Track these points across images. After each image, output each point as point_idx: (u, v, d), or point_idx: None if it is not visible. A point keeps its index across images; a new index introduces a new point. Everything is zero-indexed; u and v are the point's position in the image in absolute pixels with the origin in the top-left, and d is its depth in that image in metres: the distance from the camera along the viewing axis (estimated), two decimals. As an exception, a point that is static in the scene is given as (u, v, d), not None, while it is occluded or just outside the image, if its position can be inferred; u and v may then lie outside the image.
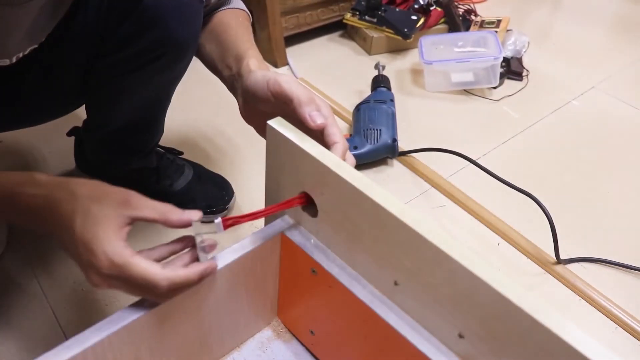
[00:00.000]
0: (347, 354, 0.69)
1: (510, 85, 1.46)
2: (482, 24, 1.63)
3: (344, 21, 1.60)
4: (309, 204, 0.61)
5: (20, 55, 0.65)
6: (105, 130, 0.90)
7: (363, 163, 1.15)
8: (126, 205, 0.51)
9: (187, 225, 0.54)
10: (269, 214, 0.60)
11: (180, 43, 0.74)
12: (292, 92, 0.59)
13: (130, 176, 0.99)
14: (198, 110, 1.29)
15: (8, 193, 0.53)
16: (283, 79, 0.61)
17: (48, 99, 0.81)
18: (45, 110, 0.85)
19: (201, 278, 0.54)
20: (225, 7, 0.80)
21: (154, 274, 0.50)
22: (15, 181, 0.53)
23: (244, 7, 0.82)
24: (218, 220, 0.55)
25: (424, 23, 1.55)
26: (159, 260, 0.54)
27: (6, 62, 0.64)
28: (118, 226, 0.50)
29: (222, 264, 0.60)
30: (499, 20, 1.62)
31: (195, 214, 0.54)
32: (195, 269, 0.53)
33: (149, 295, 0.53)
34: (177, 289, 0.52)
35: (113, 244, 0.49)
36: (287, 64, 1.51)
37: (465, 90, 1.42)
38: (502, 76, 1.45)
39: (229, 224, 0.56)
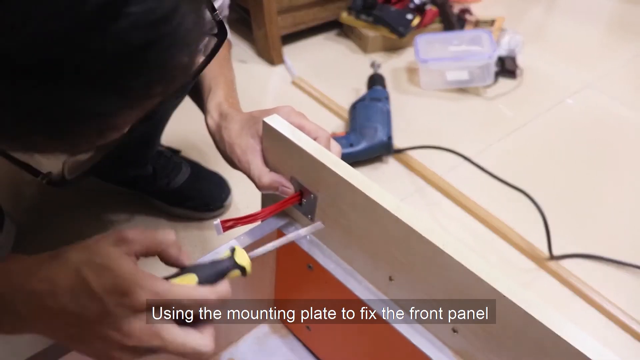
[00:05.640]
0: (342, 349, 0.70)
1: (504, 83, 1.47)
2: (477, 23, 1.64)
3: (340, 20, 1.61)
4: (304, 201, 0.62)
5: None
6: None
7: (358, 160, 1.15)
8: (121, 242, 0.45)
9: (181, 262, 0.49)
10: (267, 216, 0.60)
11: (191, 83, 0.74)
12: (241, 161, 0.61)
13: (127, 180, 1.00)
14: (195, 109, 1.30)
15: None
16: (238, 148, 0.62)
17: None
18: None
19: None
20: None
21: (200, 290, 0.45)
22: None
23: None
24: (217, 222, 0.56)
25: (419, 22, 1.56)
26: None
27: None
28: (129, 260, 0.44)
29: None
30: (493, 20, 1.63)
31: (169, 233, 0.48)
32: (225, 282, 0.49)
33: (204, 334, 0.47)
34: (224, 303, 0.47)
35: (140, 273, 0.43)
36: (284, 62, 1.51)
37: (460, 88, 1.43)
38: (497, 75, 1.46)
39: (228, 226, 0.56)
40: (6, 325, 0.45)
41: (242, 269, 0.50)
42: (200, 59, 0.44)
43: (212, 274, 0.48)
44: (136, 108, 0.34)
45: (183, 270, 0.48)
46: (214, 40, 0.44)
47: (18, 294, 0.42)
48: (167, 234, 0.47)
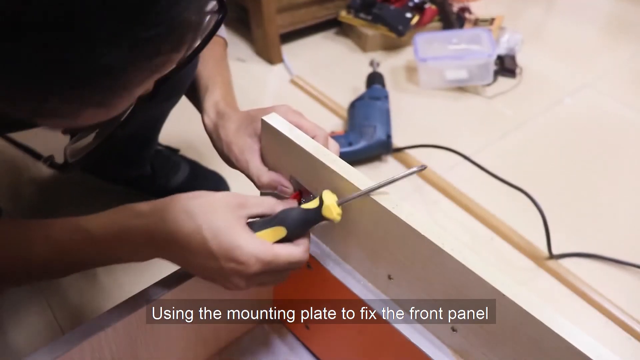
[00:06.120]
0: (342, 348, 0.70)
1: (503, 82, 1.47)
2: (476, 22, 1.64)
3: (339, 19, 1.60)
4: (303, 200, 0.62)
5: None
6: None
7: (357, 159, 1.15)
8: (241, 207, 0.52)
9: None
10: None
11: (184, 85, 0.74)
12: (239, 160, 0.62)
13: (126, 179, 1.00)
14: (193, 107, 1.30)
15: (115, 231, 0.51)
16: (235, 147, 0.62)
17: None
18: None
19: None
20: None
21: (296, 255, 0.53)
22: (115, 219, 0.52)
23: (221, 32, 0.78)
24: None
25: (418, 20, 1.56)
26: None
27: None
28: (244, 227, 0.51)
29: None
30: (493, 18, 1.63)
31: (291, 202, 0.57)
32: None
33: (286, 274, 0.55)
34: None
35: (254, 245, 0.50)
36: (282, 61, 1.51)
37: (459, 87, 1.43)
38: (496, 73, 1.46)
39: None
40: (136, 260, 0.53)
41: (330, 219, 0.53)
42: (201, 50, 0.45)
43: (299, 225, 0.54)
44: (146, 66, 0.34)
45: (274, 219, 0.53)
46: (215, 18, 0.44)
47: (146, 242, 0.51)
48: (281, 204, 0.56)
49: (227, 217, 0.50)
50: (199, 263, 0.51)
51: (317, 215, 0.53)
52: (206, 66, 0.73)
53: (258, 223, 0.53)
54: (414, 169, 0.50)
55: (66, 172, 0.46)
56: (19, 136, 1.16)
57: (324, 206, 0.53)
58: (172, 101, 0.82)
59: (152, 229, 0.50)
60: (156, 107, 0.80)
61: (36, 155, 0.44)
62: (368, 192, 0.52)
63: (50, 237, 0.52)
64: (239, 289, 0.52)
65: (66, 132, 0.46)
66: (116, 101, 0.36)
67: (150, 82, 0.37)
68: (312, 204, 0.54)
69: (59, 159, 0.48)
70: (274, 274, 0.53)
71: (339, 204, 0.53)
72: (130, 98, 0.37)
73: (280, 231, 0.53)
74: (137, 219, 0.51)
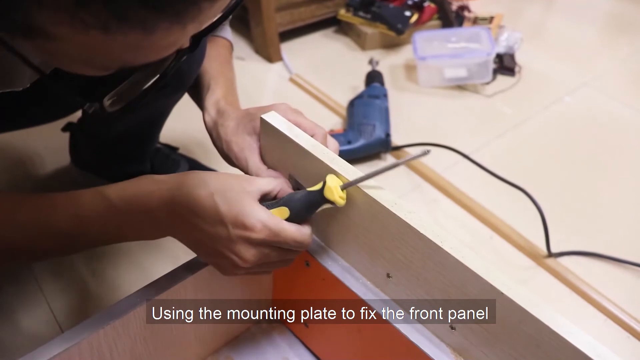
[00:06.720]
0: (340, 346, 0.70)
1: (502, 81, 1.47)
2: (475, 21, 1.64)
3: (338, 17, 1.60)
4: None
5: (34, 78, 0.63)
6: (104, 138, 0.91)
7: (356, 157, 1.15)
8: (252, 184, 0.54)
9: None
10: None
11: (190, 77, 0.74)
12: (238, 158, 0.62)
13: (125, 177, 1.00)
14: (194, 106, 1.29)
15: (131, 196, 0.53)
16: (235, 146, 0.62)
17: (52, 109, 0.81)
18: (47, 118, 0.85)
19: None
20: (210, 34, 0.79)
21: (304, 233, 0.54)
22: (134, 183, 0.54)
23: (228, 35, 0.80)
24: None
25: (417, 19, 1.56)
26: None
27: (23, 86, 0.61)
28: (255, 200, 0.53)
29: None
30: (492, 17, 1.63)
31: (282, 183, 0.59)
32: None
33: (290, 255, 0.56)
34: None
35: (263, 213, 0.51)
36: (282, 59, 1.51)
37: (458, 85, 1.43)
38: (495, 72, 1.45)
39: None
40: (148, 235, 0.55)
41: (332, 202, 0.53)
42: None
43: (303, 208, 0.54)
44: None
45: (279, 201, 0.55)
46: None
47: (160, 207, 0.52)
48: (284, 185, 0.58)
49: (239, 189, 0.52)
50: (207, 231, 0.52)
51: (320, 197, 0.53)
52: (211, 65, 0.73)
53: (263, 205, 0.54)
54: (418, 153, 0.49)
55: (105, 121, 0.48)
56: (20, 136, 1.16)
57: (325, 187, 0.53)
58: (177, 95, 0.82)
59: (168, 194, 0.52)
60: (161, 100, 0.80)
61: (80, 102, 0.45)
62: (373, 176, 0.52)
63: (69, 205, 0.53)
64: (244, 263, 0.52)
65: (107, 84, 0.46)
66: (188, 19, 0.34)
67: (214, 11, 0.36)
68: (316, 187, 0.54)
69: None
70: (279, 252, 0.54)
71: (343, 188, 0.53)
72: (200, 20, 0.35)
73: (284, 212, 0.54)
74: (155, 184, 0.53)
